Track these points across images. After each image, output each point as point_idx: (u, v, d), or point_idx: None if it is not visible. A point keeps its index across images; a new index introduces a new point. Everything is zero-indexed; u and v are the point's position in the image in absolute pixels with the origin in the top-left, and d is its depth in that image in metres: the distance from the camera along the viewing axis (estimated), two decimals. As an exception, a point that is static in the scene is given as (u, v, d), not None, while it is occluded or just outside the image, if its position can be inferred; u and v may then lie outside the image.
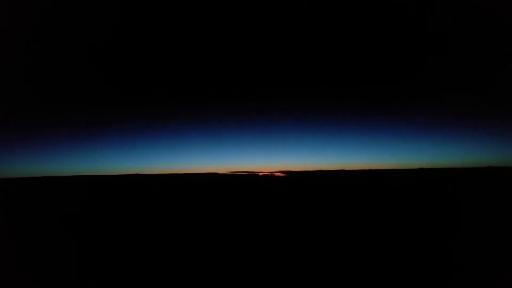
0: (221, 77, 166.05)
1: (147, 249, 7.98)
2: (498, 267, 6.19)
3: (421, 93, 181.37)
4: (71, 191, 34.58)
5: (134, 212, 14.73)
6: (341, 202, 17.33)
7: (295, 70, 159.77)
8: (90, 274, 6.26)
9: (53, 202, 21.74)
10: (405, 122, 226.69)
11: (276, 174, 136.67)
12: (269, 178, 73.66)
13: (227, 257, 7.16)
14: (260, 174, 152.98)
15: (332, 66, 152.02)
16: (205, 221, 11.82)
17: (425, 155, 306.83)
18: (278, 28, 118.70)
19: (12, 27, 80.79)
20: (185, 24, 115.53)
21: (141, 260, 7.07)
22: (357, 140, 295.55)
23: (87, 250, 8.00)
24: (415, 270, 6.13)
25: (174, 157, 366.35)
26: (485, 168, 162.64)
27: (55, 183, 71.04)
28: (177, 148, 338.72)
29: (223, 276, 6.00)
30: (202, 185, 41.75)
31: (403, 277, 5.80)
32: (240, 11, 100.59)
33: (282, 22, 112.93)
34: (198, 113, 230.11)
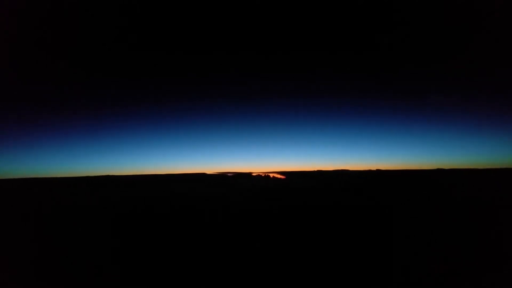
0: (210, 69, 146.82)
1: (137, 251, 7.86)
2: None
3: (437, 82, 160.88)
4: (57, 192, 35.16)
5: (122, 215, 15.07)
6: (344, 208, 15.45)
7: (291, 57, 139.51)
8: (89, 274, 6.19)
9: (44, 203, 22.22)
10: (420, 115, 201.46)
11: (271, 174, 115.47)
12: (264, 179, 57.53)
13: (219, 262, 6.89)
14: (253, 174, 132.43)
15: (331, 57, 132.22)
16: (193, 225, 11.54)
17: (443, 154, 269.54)
18: (272, 19, 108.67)
19: (12, 26, 76.16)
20: (171, 21, 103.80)
21: (134, 261, 7.02)
22: (363, 135, 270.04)
23: (81, 250, 8.04)
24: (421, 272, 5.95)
25: (157, 156, 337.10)
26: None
27: (43, 183, 70.96)
28: (160, 145, 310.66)
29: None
30: (189, 187, 37.10)
31: (405, 278, 5.63)
32: (235, 10, 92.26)
33: (277, 13, 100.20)
34: (183, 106, 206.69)
